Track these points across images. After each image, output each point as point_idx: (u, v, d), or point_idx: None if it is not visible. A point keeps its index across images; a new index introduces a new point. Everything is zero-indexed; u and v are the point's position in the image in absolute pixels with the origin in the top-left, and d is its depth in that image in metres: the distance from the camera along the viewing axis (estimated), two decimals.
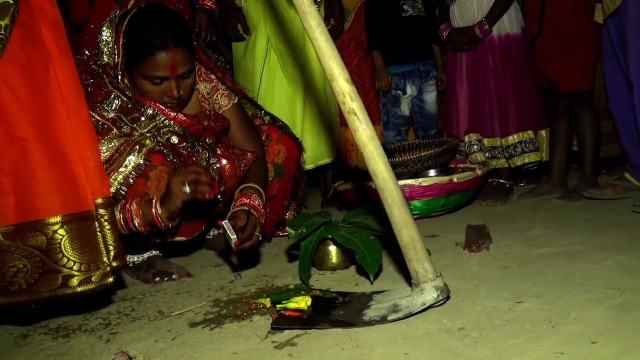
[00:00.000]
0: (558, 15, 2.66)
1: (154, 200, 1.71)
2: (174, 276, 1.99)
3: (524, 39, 2.81)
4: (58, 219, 1.49)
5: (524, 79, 2.81)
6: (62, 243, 1.49)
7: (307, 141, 2.65)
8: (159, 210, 1.71)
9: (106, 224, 1.57)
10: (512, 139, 2.80)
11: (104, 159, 1.73)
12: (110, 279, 1.55)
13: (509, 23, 2.80)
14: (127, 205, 1.73)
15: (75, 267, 1.50)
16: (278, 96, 2.76)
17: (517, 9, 2.83)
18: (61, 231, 1.49)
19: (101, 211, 1.56)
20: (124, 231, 1.75)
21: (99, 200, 1.56)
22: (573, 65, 2.66)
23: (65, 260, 1.50)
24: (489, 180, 2.88)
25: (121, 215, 1.73)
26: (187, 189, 1.67)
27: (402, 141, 3.14)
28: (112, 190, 1.74)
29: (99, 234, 1.54)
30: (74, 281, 1.50)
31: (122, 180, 1.74)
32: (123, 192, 1.76)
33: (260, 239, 1.80)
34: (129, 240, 1.80)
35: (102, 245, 1.54)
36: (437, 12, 3.18)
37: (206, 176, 1.68)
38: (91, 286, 1.52)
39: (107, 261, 1.54)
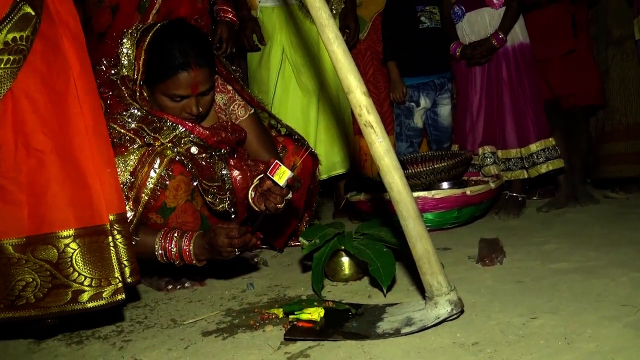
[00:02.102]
0: (582, 31, 2.77)
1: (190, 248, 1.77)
2: (186, 284, 2.00)
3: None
4: (71, 232, 1.47)
5: (538, 87, 2.84)
6: (74, 257, 1.46)
7: (320, 151, 2.66)
8: (192, 253, 1.77)
9: (121, 238, 1.55)
10: (535, 147, 2.79)
11: (130, 170, 1.75)
12: (121, 296, 1.51)
13: (521, 32, 2.81)
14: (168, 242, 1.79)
15: (86, 282, 1.47)
16: (292, 106, 2.77)
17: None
18: (73, 245, 1.46)
19: (116, 226, 1.54)
20: (162, 260, 1.79)
21: (112, 217, 1.54)
22: (593, 79, 2.86)
23: (76, 274, 1.47)
24: (502, 192, 2.87)
25: (163, 243, 1.78)
26: (235, 250, 1.70)
27: (414, 153, 3.13)
28: (142, 203, 1.76)
29: (112, 249, 1.51)
30: (85, 296, 1.47)
31: (150, 194, 1.76)
32: (152, 203, 1.78)
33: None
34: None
35: (114, 261, 1.51)
36: None
37: (246, 236, 1.71)
38: (102, 302, 1.48)
39: (119, 277, 1.51)
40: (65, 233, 1.46)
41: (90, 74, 1.57)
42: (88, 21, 2.33)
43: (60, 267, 1.46)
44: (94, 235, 1.49)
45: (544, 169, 2.78)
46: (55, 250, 1.45)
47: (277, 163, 1.64)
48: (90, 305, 1.47)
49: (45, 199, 1.46)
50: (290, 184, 1.65)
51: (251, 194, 1.80)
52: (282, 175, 1.63)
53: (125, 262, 1.55)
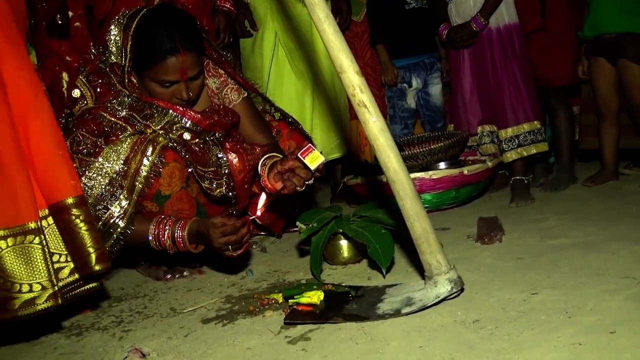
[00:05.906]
0: (556, 12, 2.77)
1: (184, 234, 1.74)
2: (185, 273, 1.99)
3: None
4: None
5: (527, 68, 2.81)
6: None
7: (316, 136, 2.64)
8: (187, 242, 1.74)
9: (81, 223, 1.45)
10: (525, 127, 2.76)
11: (122, 159, 1.72)
12: (52, 302, 1.39)
13: (507, 13, 2.76)
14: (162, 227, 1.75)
15: (14, 288, 1.36)
16: (287, 92, 2.75)
17: None
18: None
19: (74, 211, 1.44)
20: (157, 248, 1.76)
21: (70, 200, 1.44)
22: (565, 60, 2.83)
23: (1, 281, 1.36)
24: (506, 175, 2.86)
25: (157, 232, 1.75)
26: (229, 246, 1.67)
27: (410, 134, 3.12)
28: (136, 191, 1.73)
29: (42, 250, 1.39)
30: (15, 304, 1.36)
31: (144, 182, 1.74)
32: (147, 192, 1.76)
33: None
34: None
35: (48, 263, 1.39)
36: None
37: (243, 228, 1.67)
38: (35, 309, 1.37)
39: (53, 280, 1.40)
40: None
41: (22, 51, 1.43)
42: (90, 10, 2.31)
43: None
44: (19, 236, 1.38)
45: (526, 152, 2.73)
46: None
47: (310, 146, 1.64)
48: (22, 313, 1.37)
49: None
50: (318, 170, 1.66)
51: (264, 171, 1.80)
52: (315, 159, 1.63)
53: (90, 249, 1.45)
